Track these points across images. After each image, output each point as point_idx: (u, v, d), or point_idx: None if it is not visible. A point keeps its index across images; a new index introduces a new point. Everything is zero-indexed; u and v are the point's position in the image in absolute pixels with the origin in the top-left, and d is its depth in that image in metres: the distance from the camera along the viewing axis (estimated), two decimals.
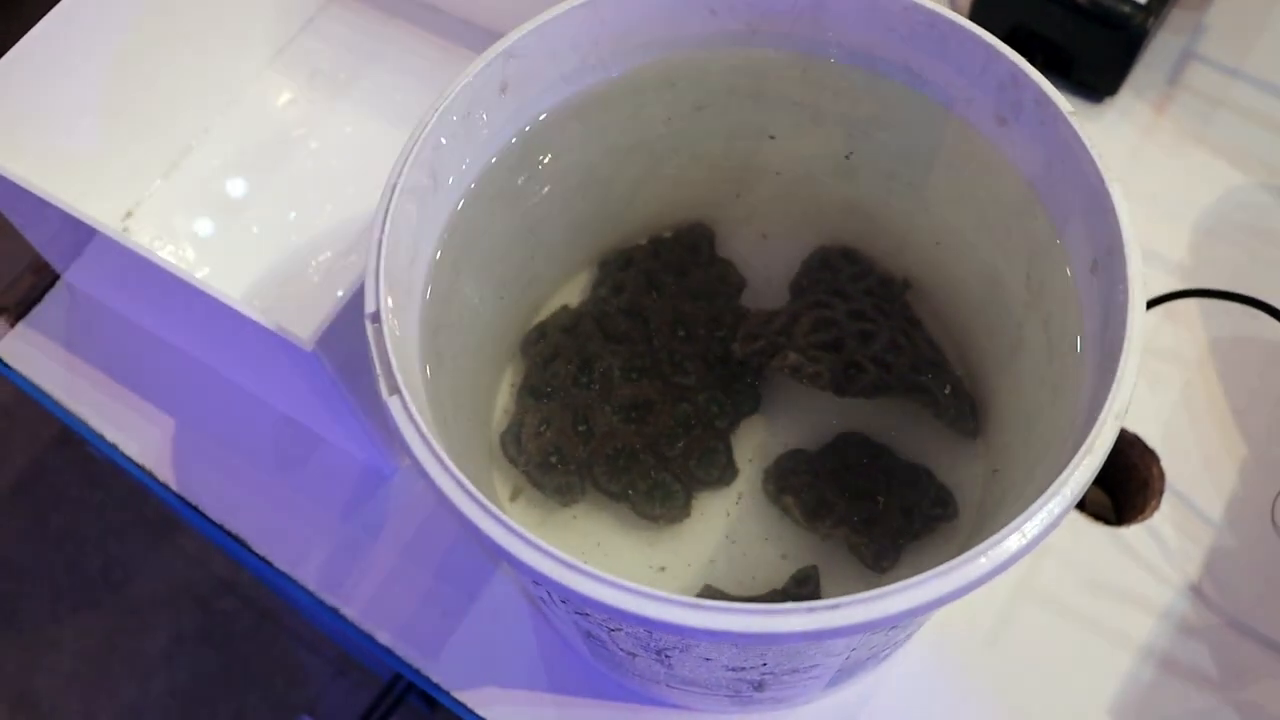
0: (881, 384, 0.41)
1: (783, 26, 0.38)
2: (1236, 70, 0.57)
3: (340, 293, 0.40)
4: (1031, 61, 0.54)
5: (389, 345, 0.31)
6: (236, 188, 0.55)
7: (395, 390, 0.30)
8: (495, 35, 0.54)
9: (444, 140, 0.35)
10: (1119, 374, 0.30)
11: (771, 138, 0.43)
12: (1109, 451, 0.29)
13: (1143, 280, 0.31)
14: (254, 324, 0.39)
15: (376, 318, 0.31)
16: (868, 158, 0.42)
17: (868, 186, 0.43)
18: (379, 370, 0.30)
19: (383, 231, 0.32)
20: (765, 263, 0.47)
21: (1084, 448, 0.29)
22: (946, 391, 0.42)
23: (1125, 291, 0.31)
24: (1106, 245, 0.32)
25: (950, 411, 0.42)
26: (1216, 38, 0.58)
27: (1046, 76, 0.54)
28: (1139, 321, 0.30)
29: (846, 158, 0.42)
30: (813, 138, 0.42)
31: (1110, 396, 0.29)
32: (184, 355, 0.51)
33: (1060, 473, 0.29)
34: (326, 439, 0.49)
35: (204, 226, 0.54)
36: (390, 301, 0.32)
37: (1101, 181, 0.32)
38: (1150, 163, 0.54)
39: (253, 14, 0.57)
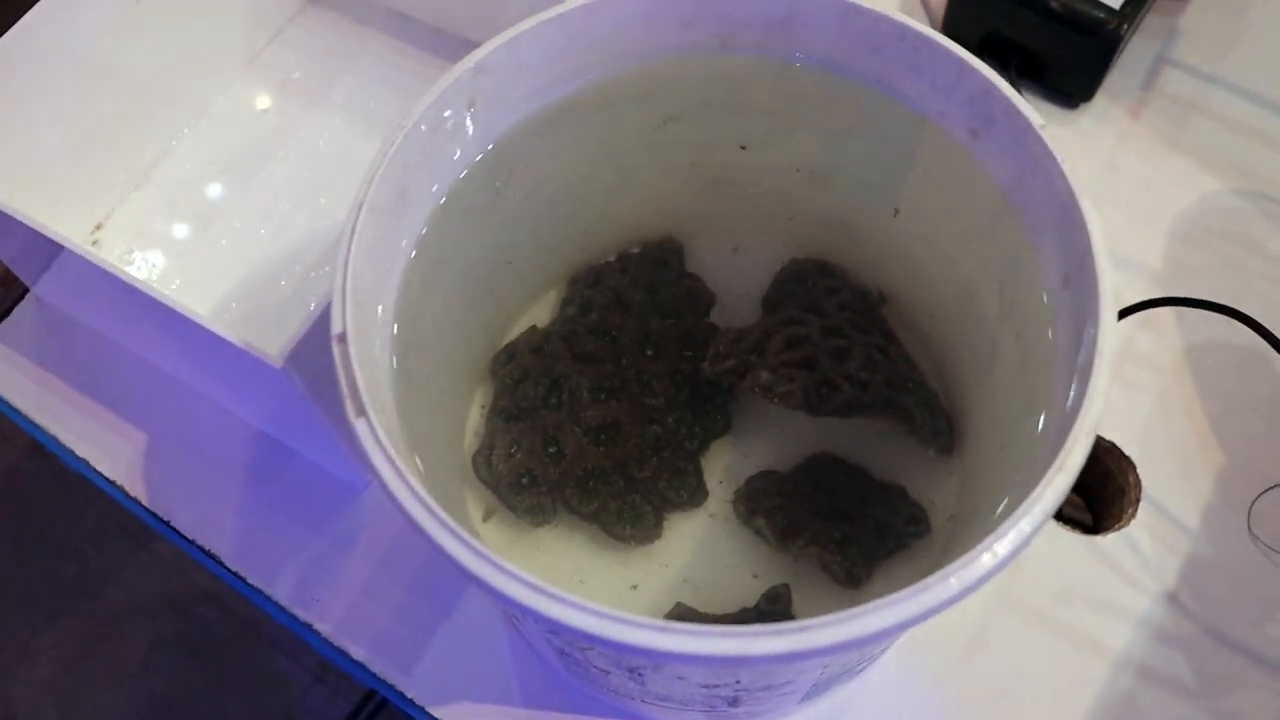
0: (856, 403, 0.41)
1: (755, 38, 0.38)
2: (1211, 76, 0.57)
3: (312, 306, 0.40)
4: (1006, 68, 0.55)
5: (356, 366, 0.30)
6: (209, 198, 0.54)
7: (362, 412, 0.30)
8: (468, 43, 0.54)
9: (412, 157, 0.35)
10: (1090, 390, 0.29)
11: (744, 148, 0.42)
12: (1081, 467, 0.29)
13: (1114, 295, 0.31)
14: (223, 340, 0.38)
15: (344, 338, 0.31)
16: (842, 169, 0.42)
17: (842, 198, 0.43)
18: (346, 392, 0.30)
19: (349, 251, 0.32)
20: (737, 277, 0.46)
21: (1056, 464, 0.29)
22: (922, 408, 0.42)
23: (1096, 306, 0.30)
24: (1078, 260, 0.32)
25: (926, 429, 0.41)
26: (1191, 43, 0.58)
27: (1021, 83, 0.54)
28: (1110, 337, 0.30)
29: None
30: (786, 148, 0.42)
31: (1082, 413, 0.29)
32: (155, 369, 0.51)
33: (1033, 489, 0.29)
34: (299, 453, 0.48)
35: (176, 238, 0.53)
36: (358, 321, 0.31)
37: (1072, 195, 0.32)
38: (1125, 169, 0.54)
39: (224, 23, 0.56)
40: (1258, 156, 0.54)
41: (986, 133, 0.35)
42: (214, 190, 0.55)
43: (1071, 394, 0.31)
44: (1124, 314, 0.48)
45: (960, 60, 0.35)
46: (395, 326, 0.35)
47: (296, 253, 0.52)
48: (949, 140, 0.37)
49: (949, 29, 0.56)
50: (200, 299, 0.51)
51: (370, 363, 0.32)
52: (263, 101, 0.57)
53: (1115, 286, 0.31)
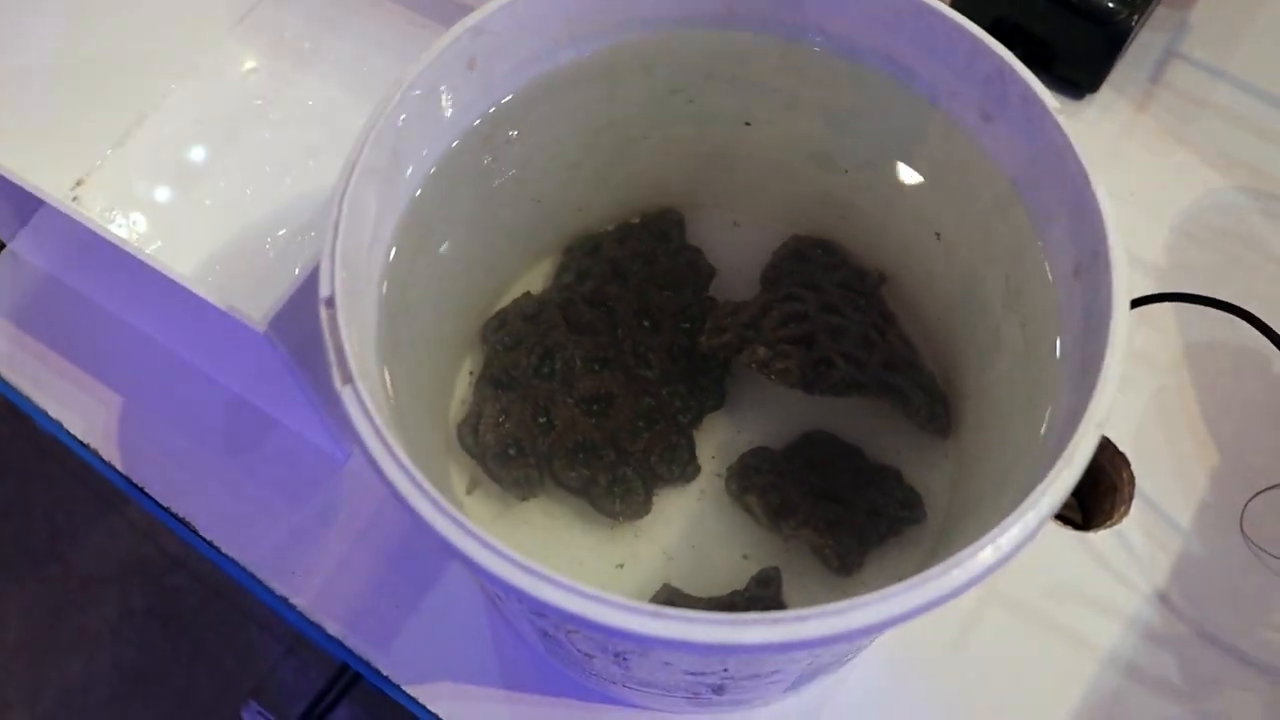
0: (852, 382, 0.40)
1: (762, 9, 0.37)
2: (1219, 71, 0.56)
3: (297, 271, 0.39)
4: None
5: (343, 332, 0.29)
6: (193, 158, 0.53)
7: (349, 379, 0.28)
8: (464, 8, 0.52)
9: (407, 118, 0.34)
10: (1100, 382, 0.29)
11: (747, 124, 0.41)
12: (1089, 463, 0.28)
13: (1127, 288, 0.30)
14: (205, 303, 0.37)
15: (331, 303, 0.30)
16: (846, 148, 0.41)
17: (846, 178, 0.42)
18: (333, 358, 0.29)
19: (340, 212, 0.31)
20: (736, 251, 0.45)
21: (1063, 458, 0.28)
22: (918, 390, 0.41)
23: (1109, 298, 0.30)
24: (1091, 249, 0.31)
25: (922, 411, 0.41)
26: (1200, 37, 0.57)
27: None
28: (1123, 330, 0.29)
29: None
30: (790, 125, 0.41)
31: (1091, 405, 0.28)
32: (133, 331, 0.49)
33: (1037, 482, 0.28)
34: (280, 421, 0.47)
35: (158, 198, 0.52)
36: (346, 285, 0.30)
37: (1088, 184, 0.31)
38: (1130, 162, 0.54)
39: None
40: (1265, 154, 0.54)
41: (1000, 116, 0.34)
42: (199, 150, 0.53)
43: (1079, 384, 0.30)
44: None
45: (975, 39, 0.34)
46: (385, 290, 0.34)
47: (282, 216, 0.51)
48: (959, 122, 0.36)
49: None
50: (182, 261, 0.50)
51: (357, 328, 0.31)
52: (252, 60, 0.56)
53: (1129, 277, 0.30)
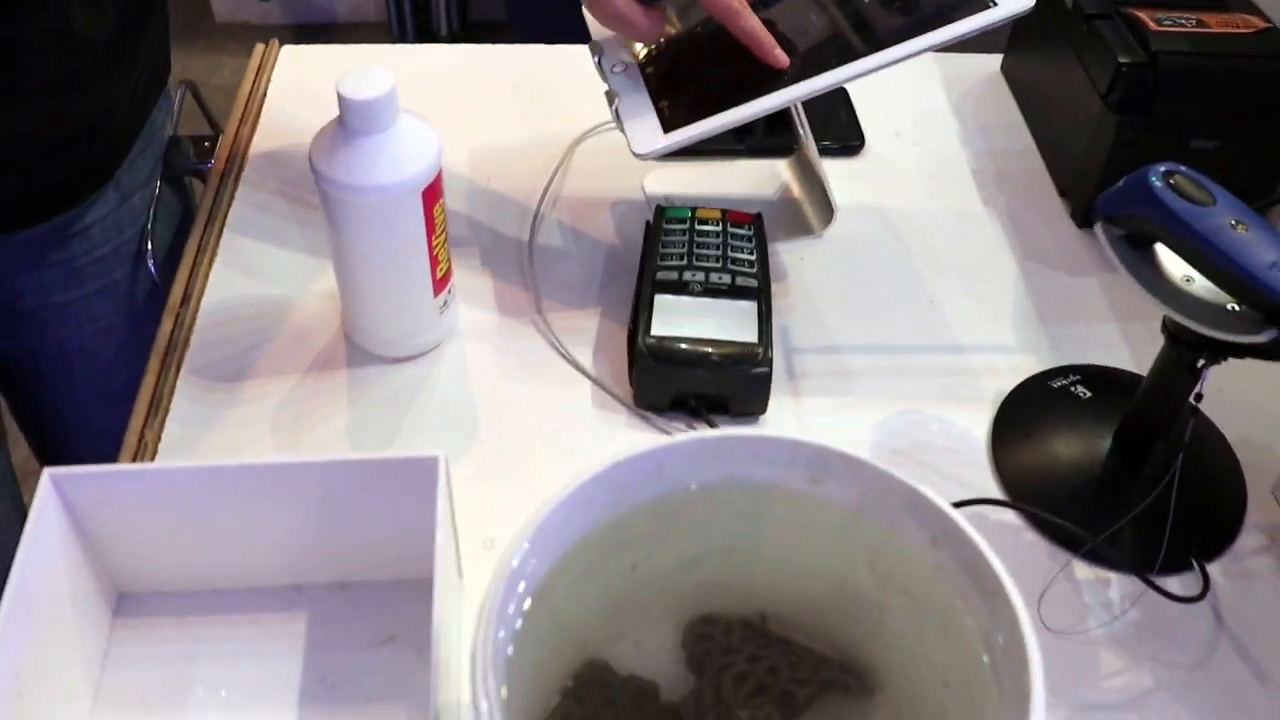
0: (805, 701, 0.54)
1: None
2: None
3: None
4: (697, 415, 0.71)
5: None
6: None
7: None
8: None
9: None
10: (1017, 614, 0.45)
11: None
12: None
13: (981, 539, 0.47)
14: None
15: None
16: (707, 549, 0.55)
17: (711, 567, 0.56)
18: None
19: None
20: (651, 664, 0.57)
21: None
22: (838, 672, 0.55)
23: (974, 550, 0.46)
24: (942, 527, 0.47)
25: (847, 684, 0.55)
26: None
27: (713, 417, 0.70)
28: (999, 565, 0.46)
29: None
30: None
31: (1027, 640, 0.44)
32: None
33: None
34: None
35: None
36: None
37: (916, 491, 0.47)
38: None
39: None
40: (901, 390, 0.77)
41: (825, 478, 0.50)
42: None
43: (985, 606, 0.46)
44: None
45: (794, 443, 0.50)
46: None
47: None
48: (790, 489, 0.51)
49: (642, 400, 0.72)
50: None
51: None
52: None
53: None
